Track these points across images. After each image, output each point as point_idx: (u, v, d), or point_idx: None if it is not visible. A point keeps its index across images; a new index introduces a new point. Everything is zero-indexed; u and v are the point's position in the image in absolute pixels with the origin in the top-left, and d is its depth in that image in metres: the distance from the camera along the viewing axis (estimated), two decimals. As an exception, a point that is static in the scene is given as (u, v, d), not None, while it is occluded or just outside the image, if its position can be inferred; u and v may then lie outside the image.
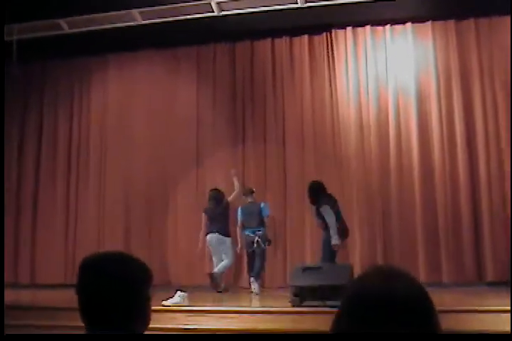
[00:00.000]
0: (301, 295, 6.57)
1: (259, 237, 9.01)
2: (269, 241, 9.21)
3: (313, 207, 8.51)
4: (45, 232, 10.83)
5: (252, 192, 9.53)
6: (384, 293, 1.31)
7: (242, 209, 9.39)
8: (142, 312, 1.78)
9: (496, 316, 5.73)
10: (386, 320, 1.29)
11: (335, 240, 8.11)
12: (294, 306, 6.56)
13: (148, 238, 10.43)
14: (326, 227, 8.28)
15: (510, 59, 9.24)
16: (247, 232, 9.14)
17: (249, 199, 9.46)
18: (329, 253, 8.24)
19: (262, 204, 9.38)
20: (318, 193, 8.51)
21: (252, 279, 8.87)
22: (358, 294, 1.35)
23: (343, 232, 8.36)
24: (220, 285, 8.90)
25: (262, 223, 9.20)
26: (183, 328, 6.24)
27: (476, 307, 6.11)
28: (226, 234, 9.22)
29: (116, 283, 1.73)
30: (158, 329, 5.68)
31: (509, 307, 5.88)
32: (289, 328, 6.04)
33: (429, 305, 1.34)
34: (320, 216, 8.34)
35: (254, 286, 8.74)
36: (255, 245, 9.01)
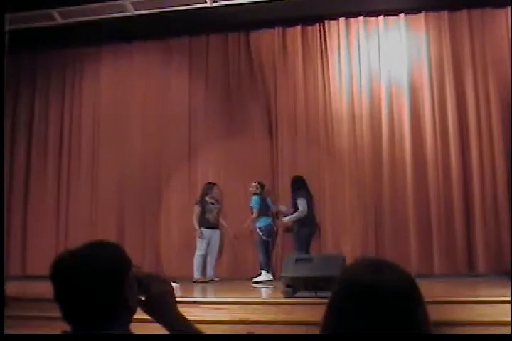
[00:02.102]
0: (294, 286, 6.58)
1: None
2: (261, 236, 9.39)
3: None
4: (36, 223, 10.81)
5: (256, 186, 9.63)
6: (373, 284, 1.31)
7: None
8: (124, 301, 1.71)
9: (488, 307, 5.75)
10: (375, 310, 1.29)
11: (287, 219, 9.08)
12: (286, 297, 6.57)
13: (141, 230, 10.42)
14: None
15: (510, 51, 9.28)
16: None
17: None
18: (301, 243, 8.86)
19: (253, 197, 9.51)
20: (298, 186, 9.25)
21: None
22: (347, 285, 1.35)
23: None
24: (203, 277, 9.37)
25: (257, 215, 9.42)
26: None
27: (468, 298, 6.13)
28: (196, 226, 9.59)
29: (93, 276, 1.66)
30: (150, 320, 5.68)
31: (499, 298, 5.92)
32: (281, 319, 6.05)
33: (418, 296, 1.35)
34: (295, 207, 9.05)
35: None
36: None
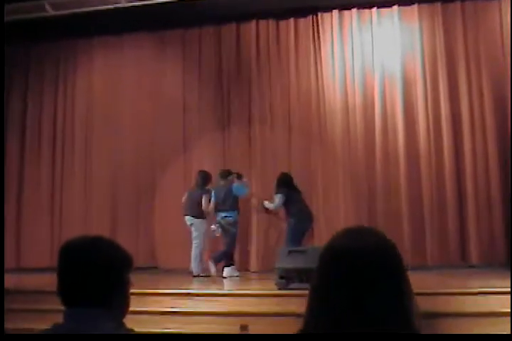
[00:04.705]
0: (287, 278, 6.60)
1: (228, 224, 8.89)
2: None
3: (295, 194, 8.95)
4: (31, 215, 10.78)
5: (227, 175, 9.20)
6: (353, 249, 1.34)
7: (214, 192, 9.08)
8: (121, 295, 1.79)
9: (481, 298, 5.78)
10: (356, 275, 1.30)
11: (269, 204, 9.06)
12: (279, 289, 6.59)
13: (135, 221, 10.42)
14: (289, 213, 8.87)
15: (510, 43, 9.27)
16: (218, 217, 8.97)
17: (222, 183, 9.14)
18: (294, 237, 8.67)
19: (234, 185, 9.03)
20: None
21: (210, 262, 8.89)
22: (329, 253, 1.37)
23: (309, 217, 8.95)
24: (200, 272, 8.87)
25: (233, 206, 8.98)
26: (168, 311, 6.26)
27: (461, 290, 6.15)
28: (197, 216, 8.99)
29: (95, 265, 1.76)
30: (144, 312, 5.70)
31: (493, 289, 5.95)
32: (274, 311, 6.06)
33: (398, 260, 1.37)
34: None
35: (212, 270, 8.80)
36: (220, 230, 8.92)
